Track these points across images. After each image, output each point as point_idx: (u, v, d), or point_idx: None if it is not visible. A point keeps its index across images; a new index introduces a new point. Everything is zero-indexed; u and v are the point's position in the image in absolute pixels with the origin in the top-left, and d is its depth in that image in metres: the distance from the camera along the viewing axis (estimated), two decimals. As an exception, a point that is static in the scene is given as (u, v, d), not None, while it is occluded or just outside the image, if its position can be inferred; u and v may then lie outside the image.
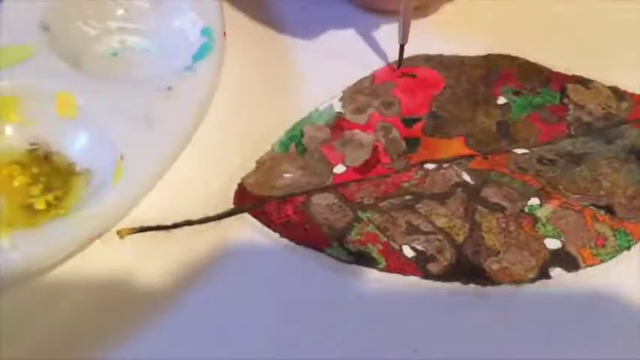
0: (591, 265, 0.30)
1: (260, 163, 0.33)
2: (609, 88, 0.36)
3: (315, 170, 0.32)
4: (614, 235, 0.30)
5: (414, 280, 0.29)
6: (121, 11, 0.35)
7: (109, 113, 0.30)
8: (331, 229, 0.30)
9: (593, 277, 0.29)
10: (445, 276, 0.29)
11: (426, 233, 0.30)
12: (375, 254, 0.30)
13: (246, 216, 0.31)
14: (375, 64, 0.36)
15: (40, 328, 0.28)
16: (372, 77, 0.36)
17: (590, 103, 0.35)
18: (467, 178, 0.32)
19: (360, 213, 0.31)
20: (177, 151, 0.30)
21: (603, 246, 0.30)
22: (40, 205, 0.29)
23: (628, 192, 0.32)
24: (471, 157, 0.33)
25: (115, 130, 0.30)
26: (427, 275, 0.29)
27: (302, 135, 0.34)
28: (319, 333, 0.28)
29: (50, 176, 0.30)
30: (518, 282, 0.29)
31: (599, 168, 0.32)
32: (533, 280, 0.29)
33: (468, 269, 0.29)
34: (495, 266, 0.29)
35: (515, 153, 0.33)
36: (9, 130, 0.31)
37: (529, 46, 0.37)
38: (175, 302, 0.28)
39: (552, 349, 0.27)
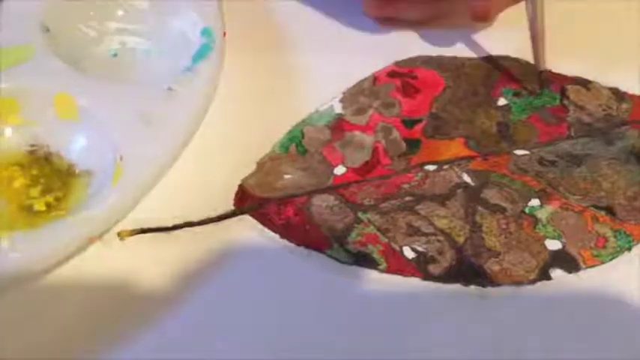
0: (592, 266, 0.30)
1: (260, 165, 0.33)
2: (609, 89, 0.36)
3: (316, 171, 0.32)
4: (615, 236, 0.30)
5: (414, 281, 0.29)
6: (120, 12, 0.35)
7: (109, 114, 0.30)
8: (332, 230, 0.30)
9: (594, 278, 0.29)
10: (446, 277, 0.29)
11: (427, 234, 0.30)
12: (375, 255, 0.30)
13: (247, 217, 0.31)
14: (376, 65, 0.36)
15: (40, 329, 0.28)
16: (373, 78, 0.36)
17: (591, 104, 0.35)
18: (467, 179, 0.32)
19: (360, 214, 0.31)
20: (177, 152, 0.30)
21: (604, 247, 0.30)
22: (39, 206, 0.29)
23: (628, 193, 0.32)
24: (471, 158, 0.33)
25: (115, 131, 0.30)
26: (428, 276, 0.29)
27: (302, 136, 0.34)
28: (319, 334, 0.28)
29: (50, 177, 0.30)
30: (518, 283, 0.29)
31: (599, 169, 0.32)
32: (533, 281, 0.29)
33: (468, 270, 0.29)
34: (496, 267, 0.29)
35: (515, 154, 0.33)
36: (9, 131, 0.31)
37: (529, 47, 0.37)
38: (176, 303, 0.28)
39: (553, 350, 0.27)
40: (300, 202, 0.31)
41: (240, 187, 0.32)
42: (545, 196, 0.32)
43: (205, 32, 0.33)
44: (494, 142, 0.34)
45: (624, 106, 0.35)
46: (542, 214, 0.31)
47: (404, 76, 0.36)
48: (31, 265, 0.27)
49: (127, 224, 0.30)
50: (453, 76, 0.36)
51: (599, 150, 0.33)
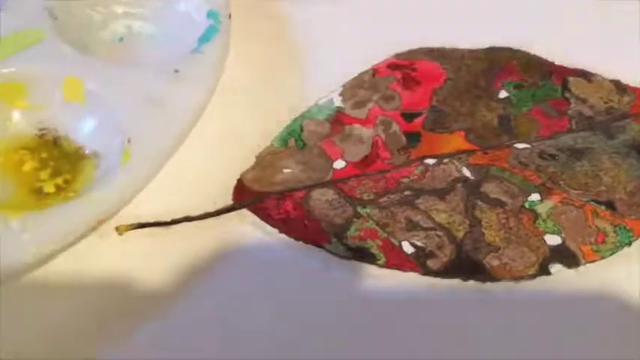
0: (591, 262, 0.29)
1: (259, 159, 0.32)
2: (611, 81, 0.35)
3: (315, 165, 0.32)
4: (615, 231, 0.30)
5: (413, 276, 0.29)
6: (126, -4, 0.35)
7: (116, 97, 0.30)
8: (331, 225, 0.30)
9: (594, 274, 0.29)
10: (445, 272, 0.29)
11: (426, 229, 0.30)
12: (374, 250, 0.30)
13: (245, 212, 0.31)
14: (375, 57, 0.36)
15: (38, 326, 0.28)
16: (372, 71, 0.36)
17: (592, 96, 0.35)
18: (467, 173, 0.32)
19: (359, 208, 0.31)
20: (184, 134, 0.30)
21: (603, 242, 0.30)
22: (49, 188, 0.30)
23: (629, 187, 0.31)
24: (471, 151, 0.33)
25: (123, 113, 0.30)
26: (427, 271, 0.29)
27: (301, 130, 0.33)
28: (318, 329, 0.28)
29: (59, 160, 0.31)
30: (518, 278, 0.29)
31: (600, 163, 0.32)
32: (533, 277, 0.29)
33: (467, 265, 0.29)
34: (495, 262, 0.29)
35: (516, 148, 0.33)
36: (17, 115, 0.31)
37: (530, 39, 0.37)
38: (174, 298, 0.28)
39: (552, 346, 0.27)
40: (299, 197, 0.31)
41: (239, 181, 0.32)
42: (545, 191, 0.31)
43: (211, 14, 0.33)
44: (494, 136, 0.34)
45: (626, 98, 0.35)
46: (543, 209, 0.31)
47: (404, 68, 0.36)
48: (42, 245, 0.26)
49: (125, 219, 0.30)
50: (454, 69, 0.36)
51: (601, 144, 0.33)
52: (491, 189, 0.31)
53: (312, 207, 0.31)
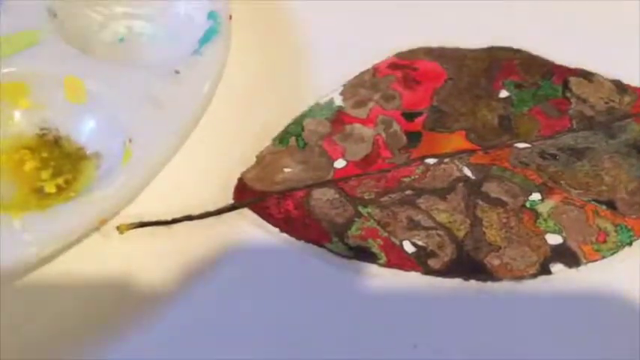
0: (592, 261, 0.29)
1: (260, 158, 0.32)
2: (612, 81, 0.35)
3: (316, 165, 0.32)
4: (616, 231, 0.30)
5: (414, 276, 0.29)
6: (126, -4, 0.35)
7: (118, 97, 0.30)
8: (331, 224, 0.30)
9: (595, 273, 0.29)
10: (446, 272, 0.29)
11: (427, 228, 0.30)
12: (375, 249, 0.30)
13: (246, 211, 0.31)
14: (376, 57, 0.36)
15: (38, 326, 0.28)
16: (373, 70, 0.36)
17: (593, 96, 0.35)
18: (468, 172, 0.32)
19: (360, 208, 0.31)
20: (185, 134, 0.30)
21: (604, 242, 0.30)
22: (50, 188, 0.30)
23: (630, 187, 0.31)
24: (472, 151, 0.33)
25: (124, 113, 0.30)
26: (428, 271, 0.29)
27: (302, 129, 0.33)
28: (319, 328, 0.28)
29: (60, 160, 0.31)
30: (519, 278, 0.29)
31: (601, 163, 0.32)
32: (534, 276, 0.29)
33: (468, 265, 0.29)
34: (496, 262, 0.29)
35: (516, 147, 0.33)
36: (18, 115, 0.31)
37: (531, 38, 0.37)
38: (175, 297, 0.28)
39: (553, 346, 0.27)
40: (300, 196, 0.31)
41: (240, 180, 0.32)
42: (546, 190, 0.31)
43: (211, 15, 0.33)
44: (495, 135, 0.34)
45: (627, 98, 0.35)
46: (543, 208, 0.31)
47: (405, 67, 0.36)
48: (43, 245, 0.26)
49: (126, 218, 0.30)
50: (455, 68, 0.36)
51: (601, 143, 0.33)
52: (492, 188, 0.31)
53: (313, 206, 0.31)
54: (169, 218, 0.30)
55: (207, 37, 0.33)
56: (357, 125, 0.34)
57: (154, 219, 0.30)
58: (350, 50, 0.36)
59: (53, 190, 0.30)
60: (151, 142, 0.29)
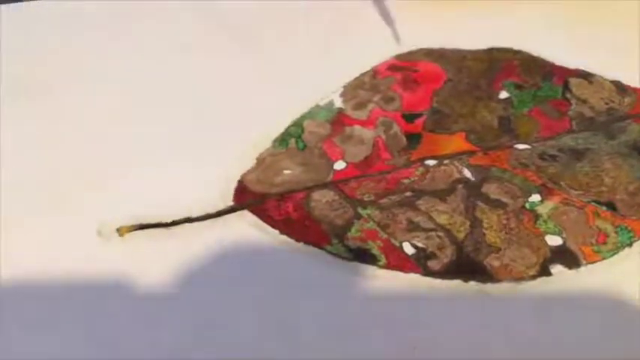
0: (592, 262, 0.29)
1: (260, 160, 0.32)
2: (612, 82, 0.35)
3: (316, 166, 0.32)
4: (616, 232, 0.30)
5: (414, 277, 0.29)
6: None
7: None
8: (331, 226, 0.30)
9: (594, 274, 0.29)
10: (445, 273, 0.29)
11: (427, 230, 0.30)
12: (375, 251, 0.30)
13: (246, 213, 0.31)
14: (376, 59, 0.36)
15: (38, 326, 0.28)
16: (373, 72, 0.36)
17: (593, 97, 0.35)
18: (468, 174, 0.32)
19: (360, 210, 0.31)
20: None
21: (604, 243, 0.30)
22: None
23: (630, 188, 0.31)
24: (472, 152, 0.33)
25: None
26: (427, 272, 0.29)
27: (302, 131, 0.33)
28: (319, 329, 0.28)
29: None
30: (518, 279, 0.29)
31: (600, 164, 0.32)
32: (533, 277, 0.29)
33: (468, 266, 0.29)
34: (496, 263, 0.29)
35: (516, 148, 0.33)
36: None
37: (531, 39, 0.37)
38: (175, 298, 0.28)
39: (552, 346, 0.27)
40: (300, 198, 0.31)
41: (240, 182, 0.32)
42: (546, 191, 0.31)
43: None
44: (495, 136, 0.34)
45: (627, 99, 0.35)
46: (543, 210, 0.31)
47: (404, 69, 0.36)
48: None
49: (126, 220, 0.30)
50: (454, 69, 0.36)
51: (601, 144, 0.33)
52: (491, 190, 0.31)
53: (313, 208, 0.31)
54: (169, 220, 0.30)
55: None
56: (357, 127, 0.34)
57: (153, 221, 0.30)
58: (350, 51, 0.36)
59: None
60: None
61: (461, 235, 0.30)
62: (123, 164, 0.32)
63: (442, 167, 0.32)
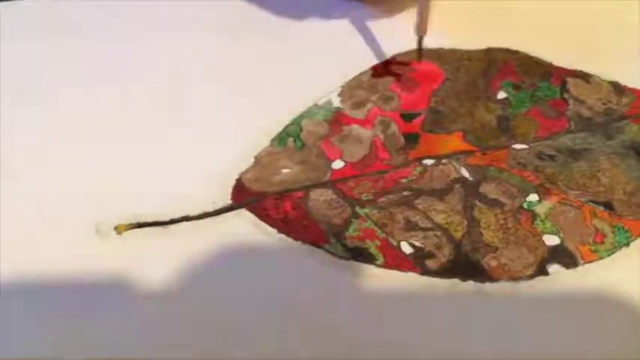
0: (590, 262, 0.29)
1: (258, 159, 0.32)
2: (610, 82, 0.35)
3: (314, 166, 0.32)
4: (613, 232, 0.30)
5: (412, 277, 0.29)
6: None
7: None
8: (329, 225, 0.30)
9: (592, 274, 0.29)
10: (443, 272, 0.29)
11: (425, 229, 0.30)
12: (373, 250, 0.30)
13: (244, 212, 0.31)
14: (374, 58, 0.36)
15: (37, 326, 0.28)
16: (371, 72, 0.36)
17: (591, 98, 0.35)
18: (465, 173, 0.32)
19: (358, 209, 0.31)
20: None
21: (602, 242, 0.30)
22: None
23: (627, 188, 0.31)
24: (469, 152, 0.33)
25: None
26: (425, 271, 0.29)
27: (300, 130, 0.33)
28: (316, 328, 0.28)
29: None
30: (516, 278, 0.29)
31: (598, 164, 0.32)
32: (531, 277, 0.29)
33: (466, 266, 0.29)
34: (494, 263, 0.29)
35: (514, 148, 0.33)
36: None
37: (529, 39, 0.37)
38: (173, 296, 0.28)
39: (550, 346, 0.27)
40: (298, 197, 0.31)
41: (238, 181, 0.32)
42: (543, 191, 0.31)
43: None
44: (493, 136, 0.34)
45: (624, 100, 0.35)
46: (541, 209, 0.31)
47: (403, 69, 0.36)
48: None
49: (124, 218, 0.30)
50: (453, 69, 0.36)
51: (599, 144, 0.33)
52: (489, 189, 0.31)
53: (311, 207, 0.31)
54: (167, 219, 0.30)
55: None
56: (355, 126, 0.34)
57: (151, 219, 0.30)
58: (348, 51, 0.36)
59: None
60: None
61: (458, 235, 0.30)
62: (120, 162, 0.32)
63: (440, 167, 0.32)
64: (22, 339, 0.27)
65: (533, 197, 0.31)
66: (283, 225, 0.30)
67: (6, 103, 0.35)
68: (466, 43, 0.37)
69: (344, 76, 0.35)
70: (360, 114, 0.34)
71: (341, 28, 0.38)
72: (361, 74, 0.36)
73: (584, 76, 0.36)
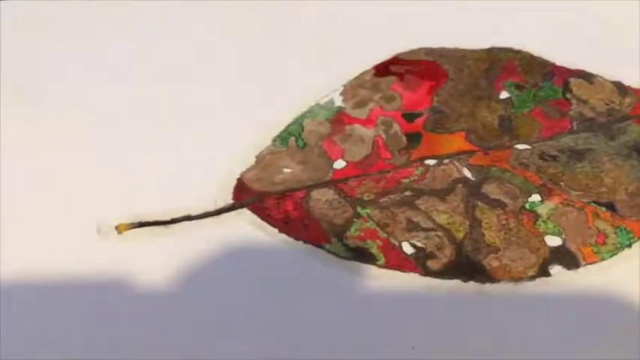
0: (591, 263, 0.29)
1: (260, 158, 0.32)
2: (613, 83, 0.35)
3: (315, 165, 0.32)
4: (615, 233, 0.30)
5: (413, 277, 0.29)
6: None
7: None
8: (331, 225, 0.30)
9: (594, 275, 0.29)
10: (445, 273, 0.29)
11: (426, 230, 0.30)
12: (374, 250, 0.30)
13: (246, 211, 0.31)
14: (376, 58, 0.36)
15: (38, 326, 0.28)
16: (373, 71, 0.36)
17: (593, 98, 0.35)
18: (467, 174, 0.32)
19: (359, 209, 0.31)
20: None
21: (604, 243, 0.30)
22: None
23: (630, 189, 0.31)
24: (472, 152, 0.33)
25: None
26: (427, 272, 0.29)
27: (302, 129, 0.33)
28: (317, 328, 0.28)
29: None
30: (517, 279, 0.29)
31: (601, 164, 0.32)
32: (533, 278, 0.29)
33: (467, 266, 0.29)
34: (495, 263, 0.29)
35: (516, 148, 0.33)
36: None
37: (532, 39, 0.37)
38: (173, 297, 0.28)
39: (552, 348, 0.27)
40: (299, 197, 0.31)
41: (239, 180, 0.32)
42: (546, 192, 0.31)
43: None
44: (495, 136, 0.34)
45: (627, 100, 0.35)
46: (543, 210, 0.31)
47: (405, 68, 0.36)
48: None
49: (125, 218, 0.30)
50: (455, 69, 0.36)
51: (601, 145, 0.33)
52: (491, 190, 0.31)
53: (312, 207, 0.31)
54: (168, 218, 0.30)
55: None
56: (357, 126, 0.34)
57: (152, 219, 0.30)
58: (350, 50, 0.36)
59: None
60: None
61: (460, 235, 0.30)
62: (121, 161, 0.32)
63: (442, 167, 0.32)
64: (22, 339, 0.27)
65: (535, 198, 0.31)
66: (284, 225, 0.30)
67: (6, 103, 0.35)
68: (469, 42, 0.37)
69: (346, 76, 0.35)
70: (362, 113, 0.34)
71: (343, 27, 0.37)
72: (363, 74, 0.36)
73: (586, 76, 0.36)
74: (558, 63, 0.36)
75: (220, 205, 0.31)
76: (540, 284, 0.29)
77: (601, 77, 0.35)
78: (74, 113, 0.35)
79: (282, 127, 0.33)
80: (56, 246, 0.29)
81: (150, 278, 0.29)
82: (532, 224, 0.30)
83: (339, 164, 0.32)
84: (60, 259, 0.29)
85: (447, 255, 0.30)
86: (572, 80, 0.35)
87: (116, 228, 0.30)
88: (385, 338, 0.28)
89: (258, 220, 0.31)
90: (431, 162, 0.32)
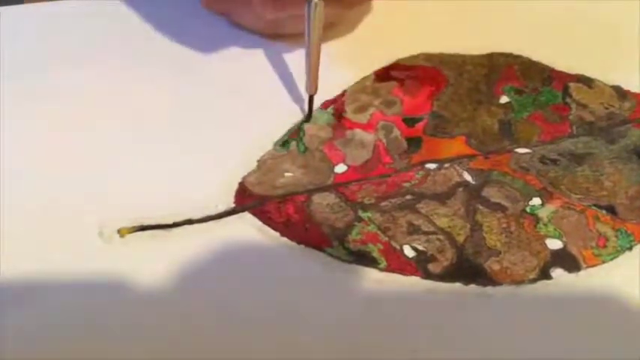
0: (592, 266, 0.29)
1: (261, 162, 0.33)
2: (612, 87, 0.35)
3: (316, 169, 0.32)
4: (616, 236, 0.30)
5: (414, 281, 0.29)
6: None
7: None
8: (332, 229, 0.30)
9: (594, 278, 0.29)
10: (446, 276, 0.29)
11: (427, 233, 0.30)
12: (375, 254, 0.30)
13: (247, 215, 0.31)
14: (377, 63, 0.36)
15: (38, 326, 0.28)
16: (374, 76, 0.36)
17: (593, 102, 0.35)
18: (468, 177, 0.32)
19: (360, 212, 0.31)
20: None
21: (604, 246, 0.30)
22: None
23: (630, 192, 0.31)
24: (472, 156, 0.33)
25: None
26: (428, 275, 0.29)
27: (303, 134, 0.34)
28: (319, 332, 0.28)
29: None
30: (518, 282, 0.29)
31: (601, 168, 0.32)
32: (533, 281, 0.29)
33: (468, 269, 0.29)
34: (496, 267, 0.29)
35: (517, 152, 0.33)
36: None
37: (531, 44, 0.37)
38: (175, 301, 0.28)
39: (553, 350, 0.27)
40: (301, 201, 0.31)
41: (241, 184, 0.32)
42: (546, 195, 0.31)
43: None
44: (495, 141, 0.34)
45: (627, 104, 0.35)
46: (544, 213, 0.31)
47: (405, 73, 0.36)
48: None
49: (127, 221, 0.30)
50: (455, 74, 0.36)
51: (601, 149, 0.33)
52: (492, 193, 0.32)
53: (314, 211, 0.31)
54: (170, 222, 0.30)
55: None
56: (358, 131, 0.34)
57: (154, 222, 0.30)
58: (350, 56, 0.36)
59: None
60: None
61: (461, 239, 0.30)
62: (124, 165, 0.33)
63: (442, 171, 0.32)
64: (22, 340, 0.27)
65: (535, 201, 0.31)
66: (286, 228, 0.30)
67: (8, 103, 0.35)
68: (468, 47, 0.37)
69: (347, 81, 0.36)
70: (362, 118, 0.34)
71: (344, 34, 0.38)
72: (364, 79, 0.36)
73: (586, 81, 0.36)
74: (557, 68, 0.36)
75: (222, 209, 0.31)
76: (541, 287, 0.29)
77: (600, 81, 0.36)
78: (76, 116, 0.35)
79: (283, 132, 0.34)
80: (58, 249, 0.29)
81: (151, 281, 0.29)
82: (533, 227, 0.30)
83: (341, 168, 0.32)
84: (62, 263, 0.29)
85: (448, 258, 0.30)
86: (571, 84, 0.36)
87: (118, 231, 0.30)
88: (386, 342, 0.28)
89: (260, 223, 0.31)
90: (431, 166, 0.33)
